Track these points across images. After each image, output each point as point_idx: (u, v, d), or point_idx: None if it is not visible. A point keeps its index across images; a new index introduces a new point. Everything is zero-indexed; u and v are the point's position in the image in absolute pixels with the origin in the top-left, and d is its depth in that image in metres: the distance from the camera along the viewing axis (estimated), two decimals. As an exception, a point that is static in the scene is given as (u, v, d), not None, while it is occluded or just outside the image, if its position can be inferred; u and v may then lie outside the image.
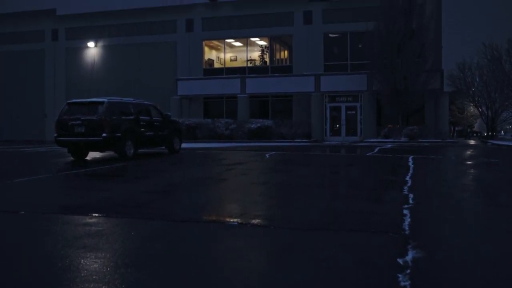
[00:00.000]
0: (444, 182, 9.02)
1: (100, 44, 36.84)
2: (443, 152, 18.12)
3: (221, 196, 7.31)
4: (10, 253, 4.02)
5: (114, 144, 13.18)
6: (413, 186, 7.64)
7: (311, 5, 32.67)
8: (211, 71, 35.30)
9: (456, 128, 58.84)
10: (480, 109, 35.66)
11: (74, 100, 14.23)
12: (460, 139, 44.39)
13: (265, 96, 33.63)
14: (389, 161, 13.39)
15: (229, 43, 35.77)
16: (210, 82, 33.77)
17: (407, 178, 8.77)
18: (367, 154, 16.22)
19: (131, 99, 15.70)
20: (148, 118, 15.03)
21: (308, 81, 31.80)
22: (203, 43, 35.16)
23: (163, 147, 16.12)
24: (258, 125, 29.96)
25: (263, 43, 35.28)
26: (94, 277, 3.25)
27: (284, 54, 36.29)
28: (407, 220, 5.00)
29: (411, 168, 10.75)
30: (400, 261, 3.54)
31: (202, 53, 35.08)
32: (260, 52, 35.66)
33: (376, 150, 18.54)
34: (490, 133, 36.55)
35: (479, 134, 63.86)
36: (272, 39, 34.39)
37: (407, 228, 4.63)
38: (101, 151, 14.27)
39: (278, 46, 35.65)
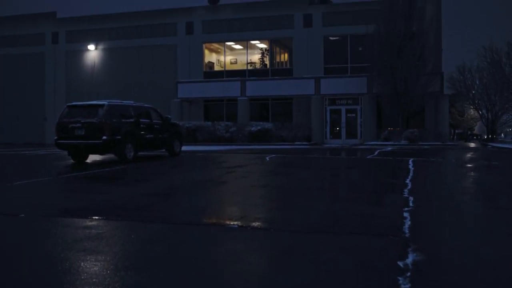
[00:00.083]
0: (444, 185, 9.02)
1: (100, 47, 36.88)
2: (443, 155, 18.12)
3: (221, 199, 7.31)
4: (10, 255, 4.02)
5: (114, 147, 13.18)
6: (413, 189, 7.64)
7: (311, 8, 32.74)
8: (211, 74, 35.33)
9: (456, 131, 58.87)
10: (480, 112, 35.72)
11: (74, 103, 14.24)
12: (460, 142, 44.40)
13: (265, 99, 33.65)
14: (389, 164, 13.39)
15: (229, 46, 35.82)
16: (210, 85, 33.80)
17: (407, 181, 8.77)
18: (367, 157, 16.21)
19: (131, 102, 15.71)
20: (148, 121, 15.03)
21: (308, 84, 31.82)
22: (203, 46, 35.21)
23: (163, 150, 16.12)
24: (258, 128, 29.97)
25: (263, 46, 35.32)
26: (94, 280, 3.25)
27: (284, 57, 36.34)
28: (408, 223, 5.00)
29: (411, 171, 10.74)
30: (400, 264, 3.54)
31: (202, 56, 35.12)
32: (260, 55, 35.71)
33: (376, 152, 18.55)
34: (490, 136, 36.57)
35: (479, 137, 63.91)
36: (272, 42, 34.44)
37: (407, 231, 4.62)
38: (101, 154, 14.27)
39: (278, 49, 35.70)
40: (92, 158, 15.01)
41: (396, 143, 27.59)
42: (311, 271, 3.44)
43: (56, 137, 13.61)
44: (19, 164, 14.75)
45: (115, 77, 35.91)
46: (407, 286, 3.09)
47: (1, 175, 10.97)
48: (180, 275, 3.39)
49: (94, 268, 3.52)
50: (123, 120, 13.75)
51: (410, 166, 11.96)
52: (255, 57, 35.82)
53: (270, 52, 34.76)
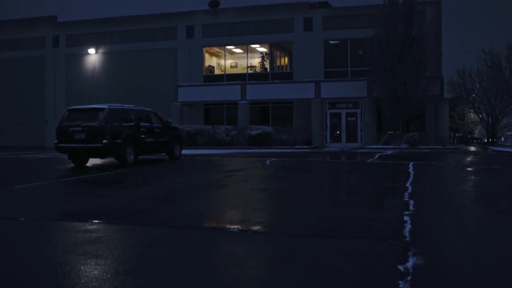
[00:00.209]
0: (445, 188, 9.02)
1: (100, 50, 36.94)
2: (444, 158, 18.12)
3: (222, 202, 7.31)
4: (10, 259, 4.01)
5: (115, 151, 13.18)
6: (414, 193, 7.63)
7: (311, 12, 32.80)
8: (212, 78, 35.38)
9: (457, 135, 58.89)
10: (480, 116, 35.74)
11: (74, 107, 14.24)
12: (461, 145, 44.40)
13: (265, 103, 33.68)
14: (390, 168, 13.38)
15: (230, 49, 35.88)
16: (210, 88, 33.83)
17: (408, 184, 8.76)
18: (368, 161, 16.21)
19: (132, 105, 15.72)
20: (149, 124, 15.04)
21: (308, 87, 31.85)
22: (204, 49, 35.28)
23: (164, 153, 16.12)
24: (259, 131, 29.98)
25: (263, 49, 35.38)
26: (94, 283, 3.25)
27: (285, 60, 36.39)
28: (408, 226, 5.00)
29: (411, 175, 10.74)
30: (400, 267, 3.54)
31: (202, 59, 35.17)
32: (260, 59, 35.76)
33: (376, 156, 18.54)
34: (490, 140, 36.57)
35: (479, 141, 63.91)
36: (272, 46, 34.50)
37: (407, 235, 4.62)
38: (101, 157, 14.27)
39: (278, 52, 35.75)
40: (92, 161, 15.01)
41: (396, 146, 27.58)
42: (311, 275, 3.44)
43: (56, 141, 13.60)
44: (20, 167, 14.75)
45: (115, 80, 35.96)
46: (408, 290, 3.09)
47: (1, 178, 10.96)
48: (181, 279, 3.39)
49: (94, 272, 3.52)
50: (124, 123, 13.76)
51: (410, 170, 11.96)
52: (255, 61, 35.87)
53: (270, 55, 34.81)
